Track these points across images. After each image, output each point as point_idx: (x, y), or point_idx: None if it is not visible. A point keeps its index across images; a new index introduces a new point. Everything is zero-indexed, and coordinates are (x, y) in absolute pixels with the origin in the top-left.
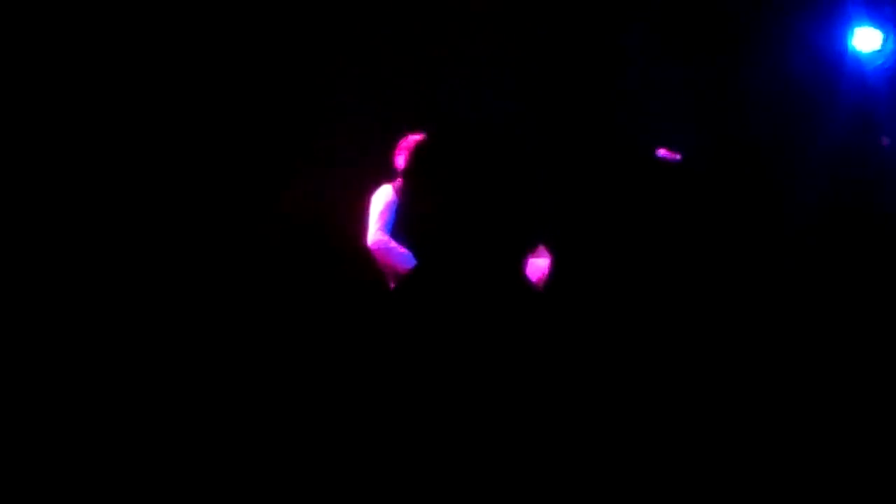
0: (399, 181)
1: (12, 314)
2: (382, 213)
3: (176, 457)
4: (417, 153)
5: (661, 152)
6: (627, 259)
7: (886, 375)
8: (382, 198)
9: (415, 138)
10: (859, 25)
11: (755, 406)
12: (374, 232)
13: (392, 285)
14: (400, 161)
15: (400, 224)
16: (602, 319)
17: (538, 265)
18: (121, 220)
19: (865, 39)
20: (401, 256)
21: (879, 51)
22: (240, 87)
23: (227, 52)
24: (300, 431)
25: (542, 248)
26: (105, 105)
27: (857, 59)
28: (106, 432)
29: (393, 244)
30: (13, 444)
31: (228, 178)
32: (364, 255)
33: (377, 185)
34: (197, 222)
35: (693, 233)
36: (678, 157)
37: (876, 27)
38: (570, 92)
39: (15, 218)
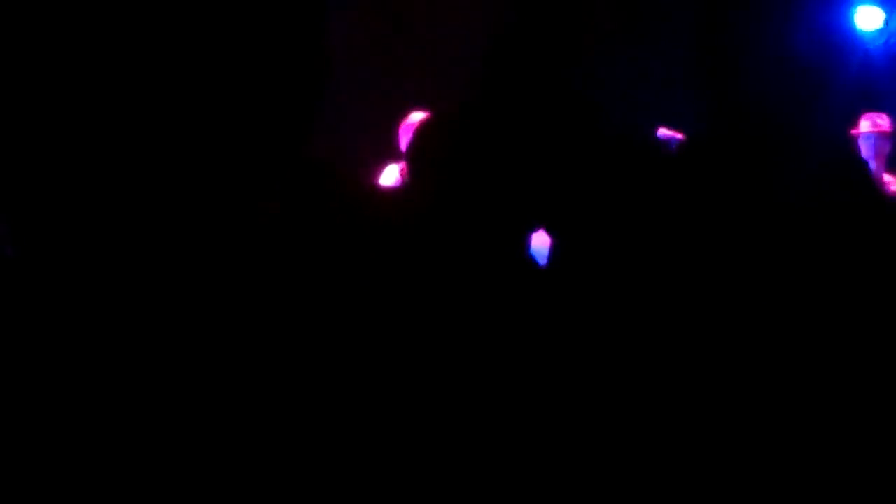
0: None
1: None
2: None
3: (177, 445)
4: (419, 135)
5: (662, 132)
6: (628, 242)
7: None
8: (389, 179)
9: (417, 119)
10: (861, 4)
11: (757, 399)
12: None
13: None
14: (404, 142)
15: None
16: (604, 302)
17: (543, 238)
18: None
19: (867, 18)
20: None
21: (881, 29)
22: (244, 68)
23: (229, 33)
24: (299, 413)
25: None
26: (104, 97)
27: (860, 37)
28: (105, 430)
29: None
30: (13, 444)
31: (231, 159)
32: (368, 235)
33: (384, 165)
34: (200, 207)
35: (693, 216)
36: (679, 136)
37: (878, 6)
38: (569, 73)
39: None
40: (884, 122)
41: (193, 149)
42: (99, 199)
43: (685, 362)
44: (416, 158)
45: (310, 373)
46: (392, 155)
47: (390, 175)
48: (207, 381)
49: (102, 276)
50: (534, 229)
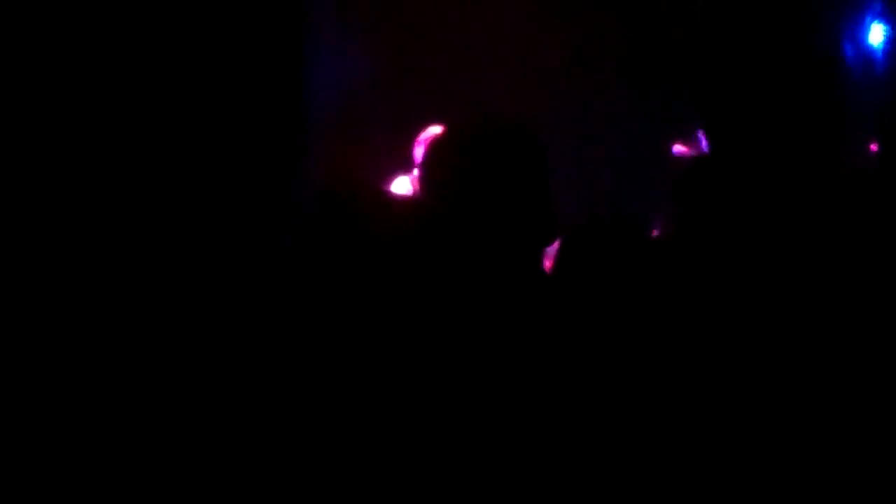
0: (416, 173)
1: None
2: None
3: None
4: (433, 147)
5: (677, 148)
6: (641, 254)
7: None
8: (399, 190)
9: (435, 131)
10: (875, 21)
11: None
12: None
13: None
14: (419, 154)
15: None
16: (614, 316)
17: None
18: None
19: (880, 35)
20: None
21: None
22: (259, 76)
23: (248, 36)
24: (308, 419)
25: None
26: (105, 100)
27: (873, 53)
28: (105, 431)
29: None
30: (13, 444)
31: (245, 168)
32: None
33: (396, 176)
34: (214, 212)
35: (708, 228)
36: (697, 150)
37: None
38: (588, 84)
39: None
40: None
41: (200, 152)
42: (101, 200)
43: (691, 365)
44: (429, 171)
45: (315, 378)
46: (404, 166)
47: (401, 186)
48: (209, 383)
49: (105, 276)
50: (548, 244)
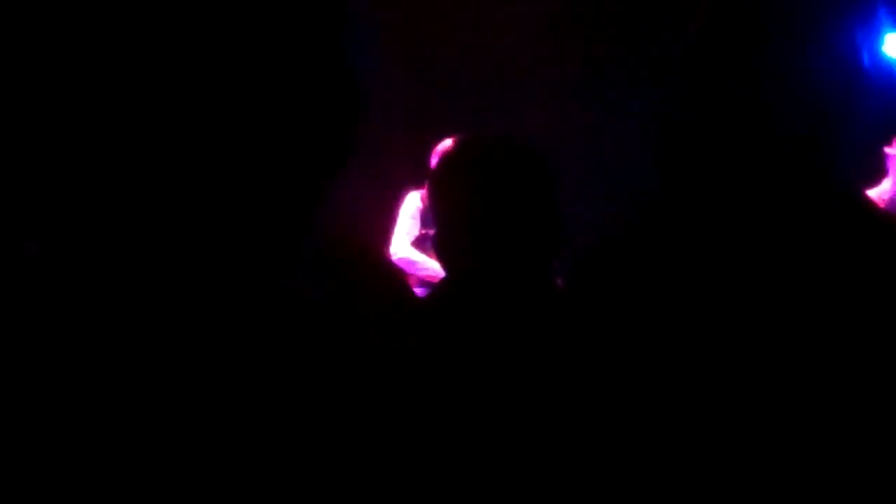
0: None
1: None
2: (407, 221)
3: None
4: (443, 161)
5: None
6: (649, 261)
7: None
8: (410, 205)
9: (447, 146)
10: (891, 31)
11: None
12: (395, 241)
13: (417, 291)
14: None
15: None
16: (629, 326)
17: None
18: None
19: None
20: (416, 266)
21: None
22: (275, 86)
23: (258, 47)
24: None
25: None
26: (119, 103)
27: (888, 65)
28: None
29: (410, 254)
30: (13, 444)
31: (256, 179)
32: (392, 263)
33: (410, 190)
34: (223, 224)
35: (710, 234)
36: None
37: None
38: (600, 94)
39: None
40: None
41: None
42: (123, 213)
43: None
44: (438, 185)
45: (331, 392)
46: (414, 182)
47: (412, 202)
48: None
49: (127, 286)
50: (557, 256)
